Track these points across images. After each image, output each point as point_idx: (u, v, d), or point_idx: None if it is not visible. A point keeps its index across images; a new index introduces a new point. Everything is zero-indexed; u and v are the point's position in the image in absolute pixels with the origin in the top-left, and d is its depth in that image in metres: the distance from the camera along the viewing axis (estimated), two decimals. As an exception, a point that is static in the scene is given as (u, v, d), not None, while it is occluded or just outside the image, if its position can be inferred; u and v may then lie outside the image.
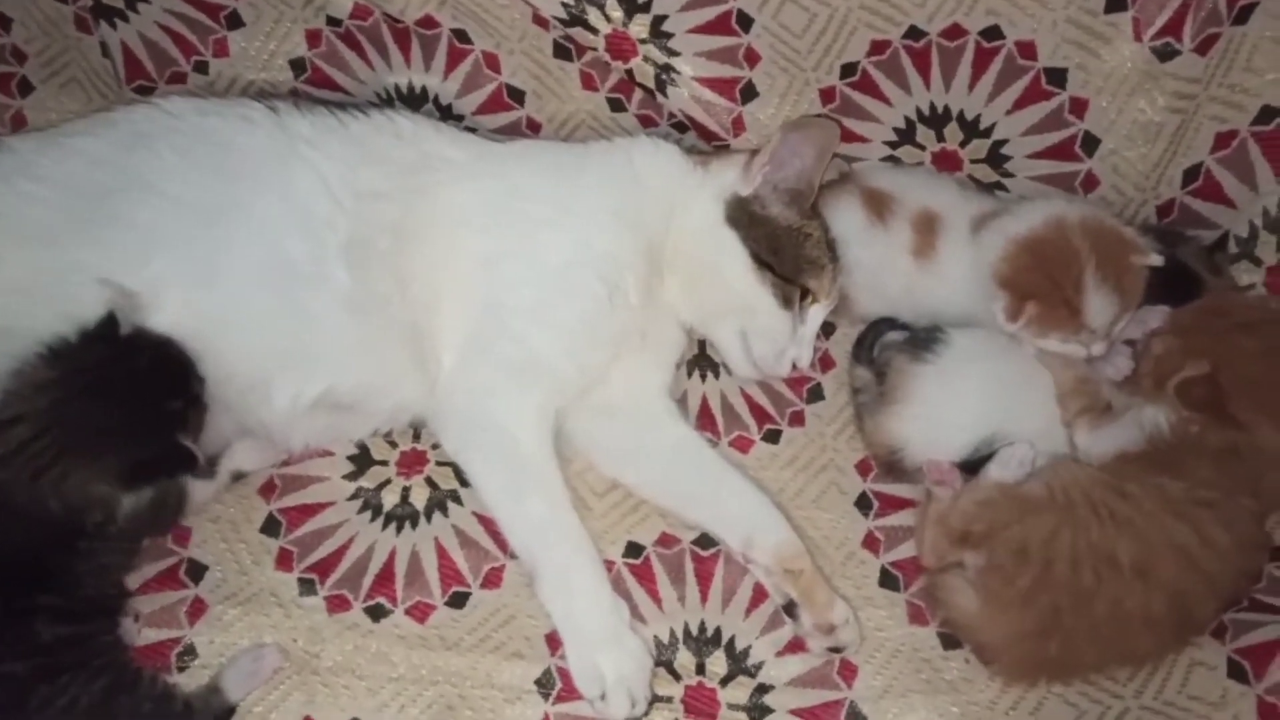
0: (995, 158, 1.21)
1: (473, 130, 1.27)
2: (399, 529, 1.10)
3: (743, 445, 1.19)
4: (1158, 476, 1.01)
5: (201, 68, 1.28)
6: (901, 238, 1.18)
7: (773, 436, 1.19)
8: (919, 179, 1.22)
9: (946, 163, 1.23)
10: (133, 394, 0.96)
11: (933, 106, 1.19)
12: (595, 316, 1.11)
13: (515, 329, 1.09)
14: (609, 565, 1.07)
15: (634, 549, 1.09)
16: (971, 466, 1.09)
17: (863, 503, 1.14)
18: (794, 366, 1.17)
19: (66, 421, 0.93)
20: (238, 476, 1.09)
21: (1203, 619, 1.00)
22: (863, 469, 1.17)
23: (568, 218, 1.13)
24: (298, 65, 1.28)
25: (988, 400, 1.11)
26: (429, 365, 1.11)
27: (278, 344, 1.06)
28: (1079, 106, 1.15)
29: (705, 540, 1.10)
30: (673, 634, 1.04)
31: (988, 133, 1.19)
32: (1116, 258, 1.06)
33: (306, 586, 1.05)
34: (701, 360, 1.25)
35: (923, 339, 1.15)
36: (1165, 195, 1.18)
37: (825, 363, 1.25)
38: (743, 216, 1.15)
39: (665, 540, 1.10)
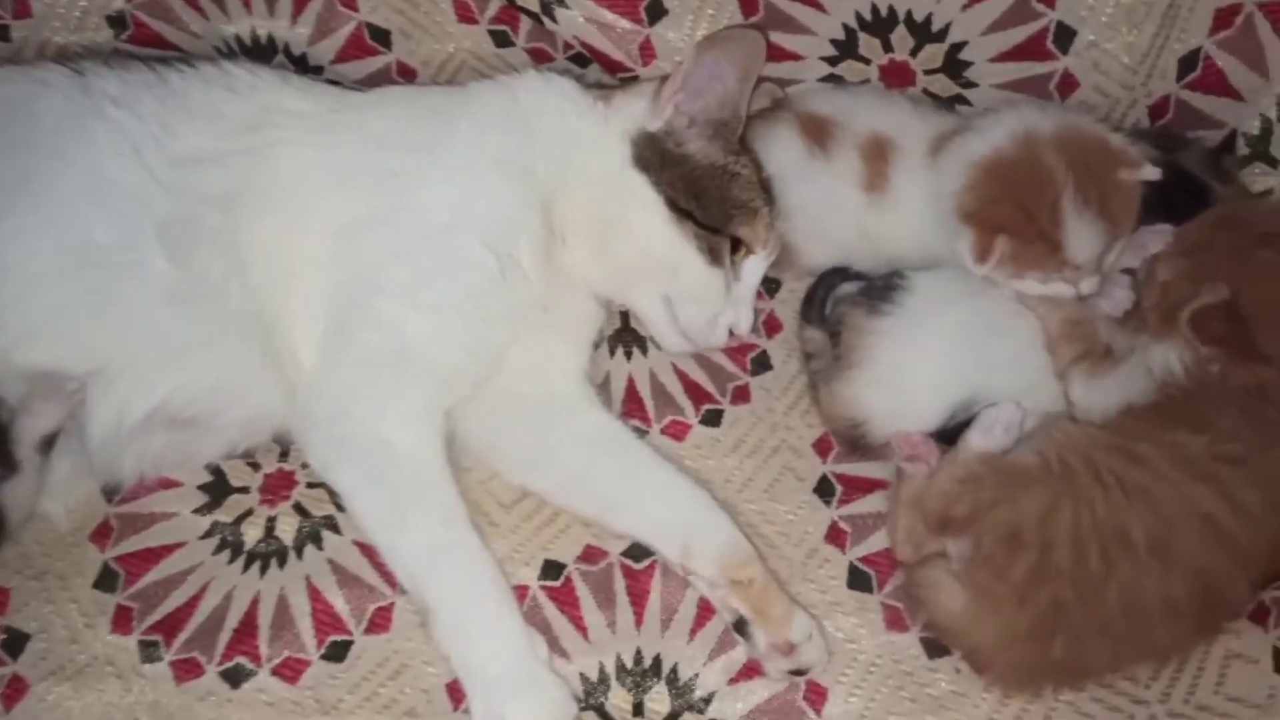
0: (953, 65, 1.03)
1: (337, 84, 1.07)
2: (263, 570, 0.92)
3: (677, 431, 1.02)
4: (1173, 431, 0.85)
5: (2, 33, 1.08)
6: (849, 169, 1.01)
7: (713, 418, 1.02)
8: (865, 99, 1.05)
9: (897, 77, 1.06)
10: None
11: (875, 10, 1.01)
12: (482, 291, 0.92)
13: (384, 313, 0.90)
14: (521, 592, 0.91)
15: (552, 569, 0.93)
16: (949, 436, 0.93)
17: (824, 489, 0.98)
18: (732, 333, 1.00)
19: None
20: (47, 445, 0.89)
21: (1236, 601, 0.85)
22: (822, 448, 1.00)
23: (441, 172, 0.93)
24: (116, 21, 1.08)
25: (962, 354, 0.94)
26: (285, 366, 0.93)
27: (89, 350, 0.88)
28: (1048, -9, 0.98)
29: (638, 551, 0.93)
30: (603, 670, 0.88)
31: (942, 35, 1.01)
32: (1100, 174, 0.90)
33: (149, 650, 0.87)
34: (625, 335, 1.07)
35: (879, 288, 0.98)
36: (1158, 91, 1.01)
37: (771, 326, 1.08)
38: (654, 157, 0.96)
39: (590, 555, 0.93)
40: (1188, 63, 0.99)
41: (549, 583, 0.91)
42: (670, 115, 0.96)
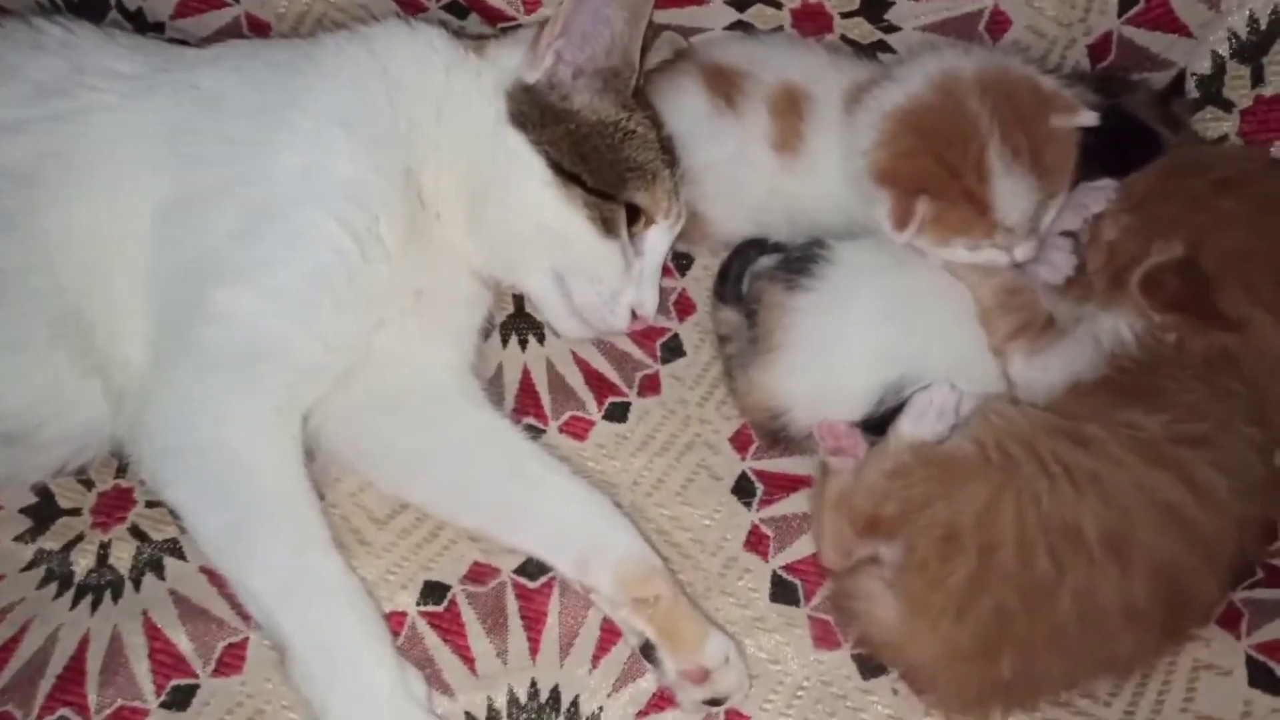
0: (873, 6, 0.92)
1: (184, 44, 0.94)
2: (95, 604, 0.79)
3: (578, 429, 0.91)
4: (1126, 410, 0.75)
5: None
6: (759, 126, 0.90)
7: (618, 413, 0.92)
8: (776, 48, 0.94)
9: (811, 23, 0.95)
10: None
11: (778, -55, 0.90)
12: (337, 274, 0.79)
13: (221, 304, 0.78)
14: (397, 620, 0.80)
15: (434, 591, 0.82)
16: (880, 424, 0.83)
17: (743, 488, 0.88)
18: (635, 315, 0.88)
19: None
20: None
21: (1204, 602, 0.75)
22: (740, 443, 0.90)
23: (285, 137, 0.81)
24: (-87, -26, 0.94)
25: (890, 331, 0.84)
26: (113, 370, 0.80)
27: None
28: (974, -84, 0.87)
29: (533, 568, 0.83)
30: (492, 706, 0.78)
31: (859, -28, 0.90)
32: (1030, 122, 0.80)
33: (-45, 706, 0.75)
34: (519, 321, 0.96)
35: (797, 259, 0.87)
36: (1098, 28, 0.91)
37: (682, 307, 0.97)
38: (533, 112, 0.84)
39: (477, 574, 0.83)
40: (1130, -6, 0.89)
41: (430, 607, 0.81)
42: (551, 64, 0.84)
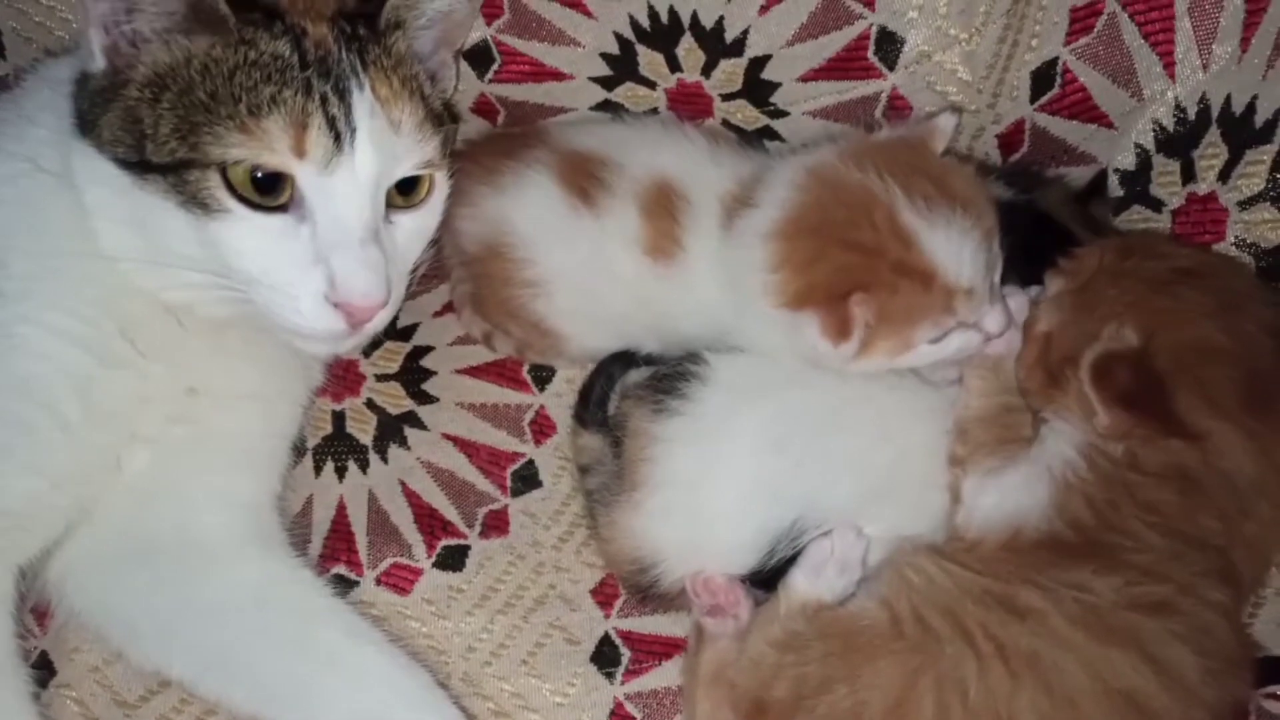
0: (757, 87, 0.80)
1: None
2: None
3: (401, 581, 0.75)
4: (1073, 569, 0.60)
5: None
6: (624, 227, 0.75)
7: (453, 559, 0.76)
8: (648, 135, 0.80)
9: (689, 105, 0.82)
10: None
11: (653, 12, 0.77)
12: (55, 386, 0.62)
13: None
14: None
15: None
16: (770, 579, 0.68)
17: (605, 655, 0.73)
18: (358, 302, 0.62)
19: None
20: None
21: None
22: (604, 597, 0.75)
23: None
24: None
25: (781, 465, 0.69)
26: None
27: None
28: (866, -13, 0.76)
29: None
30: None
31: (738, 47, 0.78)
32: (919, 164, 0.69)
33: None
34: (336, 444, 0.79)
35: (666, 377, 0.72)
36: (1009, 116, 0.79)
37: (540, 429, 0.81)
38: (96, 108, 0.64)
39: None
40: (1043, 78, 0.77)
41: (189, 823, 0.63)
42: (101, 39, 0.62)
